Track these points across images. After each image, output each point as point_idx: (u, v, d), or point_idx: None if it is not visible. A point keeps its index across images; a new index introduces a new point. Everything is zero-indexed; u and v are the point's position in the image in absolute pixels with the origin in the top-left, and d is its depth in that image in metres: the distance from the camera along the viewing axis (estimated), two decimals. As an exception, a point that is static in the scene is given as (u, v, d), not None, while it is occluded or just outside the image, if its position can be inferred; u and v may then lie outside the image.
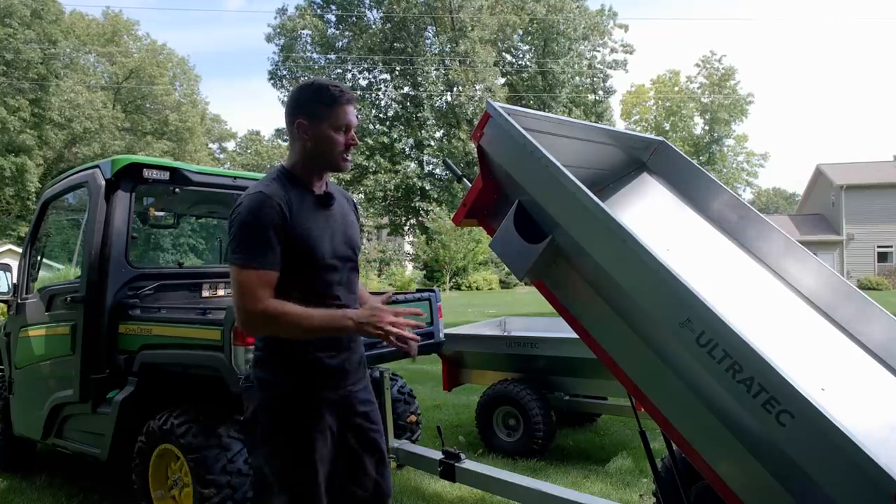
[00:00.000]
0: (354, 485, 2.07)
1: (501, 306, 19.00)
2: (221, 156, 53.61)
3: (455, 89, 37.66)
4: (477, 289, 30.12)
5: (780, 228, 2.57)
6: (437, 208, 32.13)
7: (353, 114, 1.95)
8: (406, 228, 39.67)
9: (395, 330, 1.76)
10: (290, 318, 1.78)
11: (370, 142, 36.17)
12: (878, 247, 33.46)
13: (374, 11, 39.45)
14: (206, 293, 4.16)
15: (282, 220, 1.83)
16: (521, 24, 39.77)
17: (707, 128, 47.27)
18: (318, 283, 1.92)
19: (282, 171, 1.97)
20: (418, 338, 1.81)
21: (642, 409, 1.96)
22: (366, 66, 39.65)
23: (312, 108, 1.91)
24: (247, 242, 1.81)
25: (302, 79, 36.67)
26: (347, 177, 33.43)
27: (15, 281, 4.49)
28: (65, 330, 3.76)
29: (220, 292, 4.24)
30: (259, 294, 1.78)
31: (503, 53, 41.27)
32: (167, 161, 3.98)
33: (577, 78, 40.92)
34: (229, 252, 1.85)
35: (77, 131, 35.09)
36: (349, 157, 1.98)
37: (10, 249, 23.37)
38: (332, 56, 39.82)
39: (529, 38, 41.13)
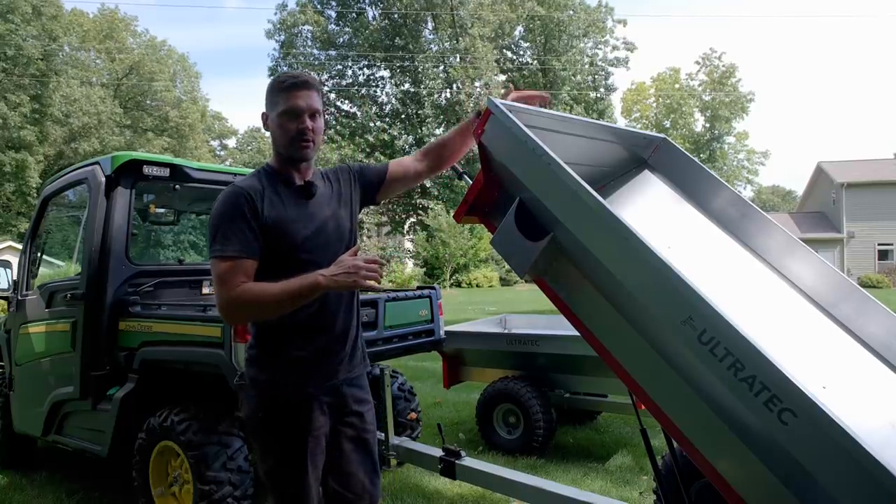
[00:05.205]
0: (342, 486, 2.02)
1: (502, 304, 19.00)
2: (222, 153, 53.67)
3: (455, 86, 37.58)
4: (477, 286, 30.10)
5: (781, 226, 2.56)
6: (437, 206, 32.07)
7: (301, 98, 1.88)
8: (406, 227, 39.58)
9: (362, 264, 1.73)
10: (259, 294, 1.75)
11: (370, 139, 36.10)
12: (879, 244, 33.43)
13: (374, 8, 39.35)
14: (206, 290, 4.17)
15: (252, 210, 1.84)
16: (519, 21, 39.65)
17: (708, 125, 47.23)
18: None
19: (263, 167, 2.01)
20: (380, 274, 1.77)
21: (643, 407, 1.96)
22: (366, 62, 39.56)
23: (268, 98, 1.95)
24: (220, 234, 1.82)
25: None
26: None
27: (15, 277, 4.49)
28: (65, 327, 3.76)
29: None
30: (233, 281, 1.76)
31: (504, 50, 41.19)
32: (167, 158, 3.98)
33: (579, 75, 40.84)
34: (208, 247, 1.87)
35: (76, 127, 35.07)
36: (307, 144, 1.91)
37: (10, 246, 23.40)
38: (333, 52, 39.72)
39: (530, 35, 41.04)
